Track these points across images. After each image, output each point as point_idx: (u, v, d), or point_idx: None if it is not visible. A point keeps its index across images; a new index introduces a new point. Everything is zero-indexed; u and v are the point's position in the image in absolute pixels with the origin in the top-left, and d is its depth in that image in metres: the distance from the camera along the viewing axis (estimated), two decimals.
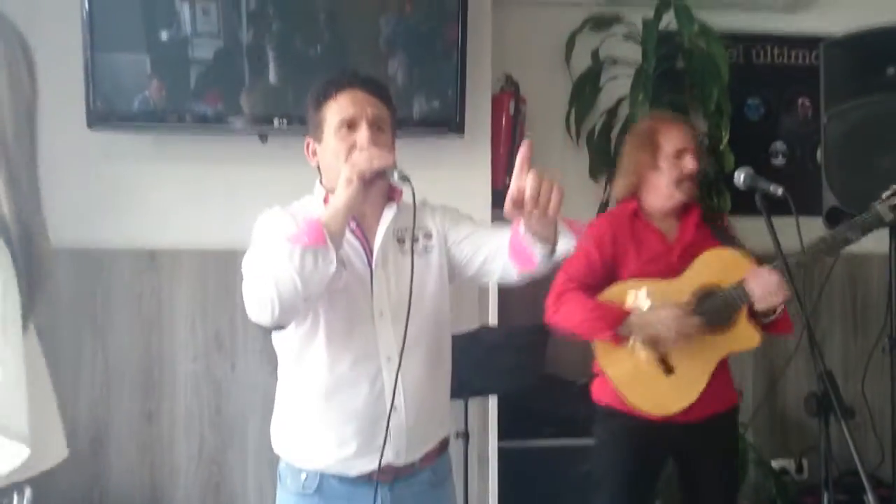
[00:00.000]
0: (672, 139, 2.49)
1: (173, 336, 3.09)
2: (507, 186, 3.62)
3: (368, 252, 1.78)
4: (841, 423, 1.65)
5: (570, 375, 3.56)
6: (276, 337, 1.82)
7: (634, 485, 2.51)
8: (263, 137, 3.05)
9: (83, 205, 3.05)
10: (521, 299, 3.51)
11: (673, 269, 2.46)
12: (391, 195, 1.82)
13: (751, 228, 2.73)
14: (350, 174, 1.62)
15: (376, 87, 1.79)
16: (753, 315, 2.41)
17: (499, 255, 1.73)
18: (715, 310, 2.40)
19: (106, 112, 2.92)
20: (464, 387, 2.67)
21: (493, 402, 3.14)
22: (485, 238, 1.81)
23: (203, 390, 3.09)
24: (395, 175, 1.64)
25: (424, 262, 1.81)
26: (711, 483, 2.52)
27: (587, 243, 2.47)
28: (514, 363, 2.86)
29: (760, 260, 2.41)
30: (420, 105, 3.05)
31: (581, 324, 2.43)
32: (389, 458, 1.75)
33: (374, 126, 1.73)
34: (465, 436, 2.83)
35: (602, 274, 2.48)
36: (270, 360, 1.92)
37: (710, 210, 2.90)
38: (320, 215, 1.61)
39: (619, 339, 2.43)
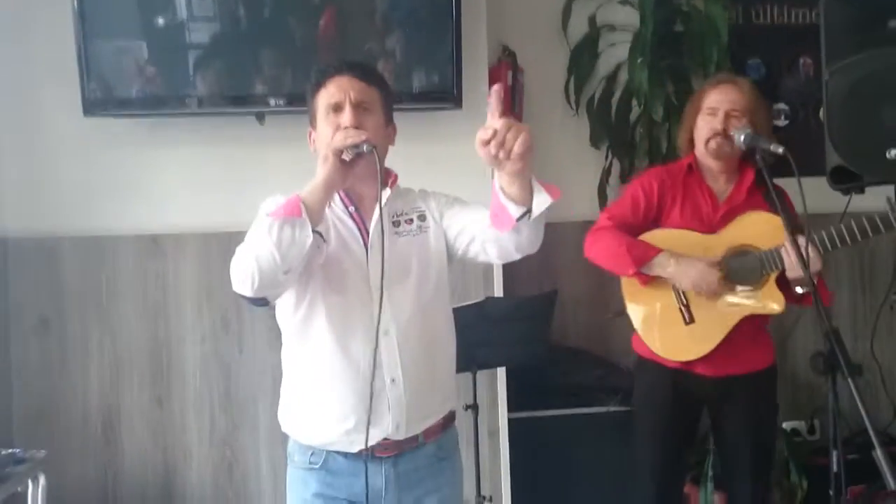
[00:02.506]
0: (709, 99, 2.54)
1: (180, 319, 3.09)
2: None
3: (365, 234, 1.86)
4: (848, 380, 1.64)
5: (578, 344, 3.58)
6: (279, 315, 1.90)
7: (668, 433, 2.59)
8: (261, 118, 3.03)
9: (84, 192, 3.05)
10: (527, 270, 3.52)
11: (714, 227, 2.52)
12: (387, 181, 1.89)
13: None
14: (326, 151, 1.74)
15: (362, 71, 1.87)
16: (786, 283, 2.42)
17: (484, 225, 1.76)
18: (745, 268, 2.46)
19: (102, 99, 2.90)
20: (471, 359, 2.69)
21: (501, 373, 3.15)
22: (472, 213, 1.86)
23: (212, 373, 3.10)
24: (365, 147, 1.74)
25: (420, 241, 1.89)
26: (739, 438, 2.57)
27: (636, 188, 2.60)
28: (521, 334, 2.86)
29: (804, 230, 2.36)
30: (419, 79, 3.03)
31: (609, 258, 2.53)
32: (390, 431, 1.82)
33: (359, 108, 1.81)
34: (475, 408, 2.84)
35: (643, 220, 2.56)
36: (278, 340, 1.94)
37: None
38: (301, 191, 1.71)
39: (643, 277, 2.51)
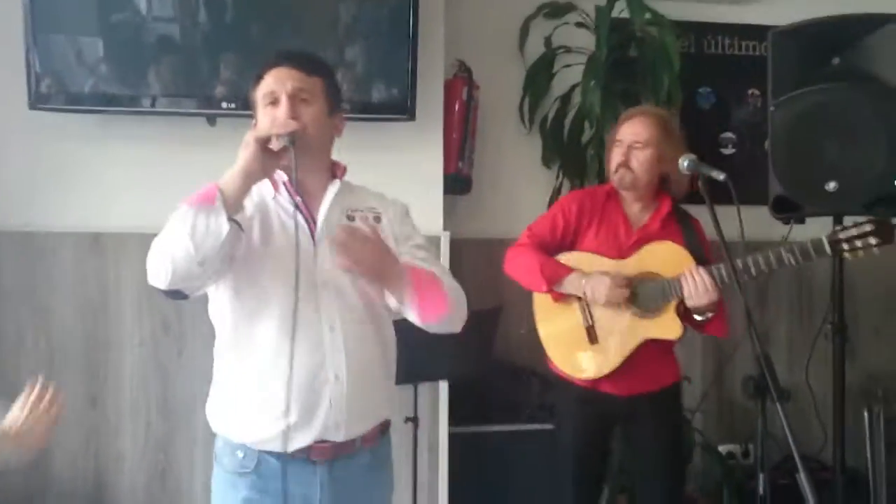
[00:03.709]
0: (622, 130, 2.63)
1: (119, 320, 3.03)
2: (460, 171, 3.64)
3: (312, 225, 1.82)
4: (777, 405, 1.68)
5: (522, 361, 3.58)
6: (214, 308, 1.84)
7: (582, 447, 2.67)
8: (211, 120, 3.00)
9: (26, 186, 2.98)
10: (474, 285, 3.50)
11: (623, 254, 2.60)
12: (336, 173, 1.90)
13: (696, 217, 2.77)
14: (248, 138, 1.68)
15: (300, 61, 1.83)
16: (687, 312, 2.51)
17: None
18: (647, 294, 2.54)
19: (51, 93, 2.86)
20: (413, 372, 2.67)
21: (443, 387, 3.14)
22: None
23: (149, 376, 3.04)
24: (283, 140, 1.69)
25: None
26: (649, 455, 2.65)
27: (557, 209, 2.71)
28: (464, 348, 2.86)
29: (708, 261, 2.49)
30: (377, 90, 3.05)
31: (524, 275, 2.63)
32: (329, 431, 1.76)
33: (295, 99, 1.78)
34: (415, 421, 2.83)
35: (561, 240, 2.65)
36: None
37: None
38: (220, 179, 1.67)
39: (556, 295, 2.60)
